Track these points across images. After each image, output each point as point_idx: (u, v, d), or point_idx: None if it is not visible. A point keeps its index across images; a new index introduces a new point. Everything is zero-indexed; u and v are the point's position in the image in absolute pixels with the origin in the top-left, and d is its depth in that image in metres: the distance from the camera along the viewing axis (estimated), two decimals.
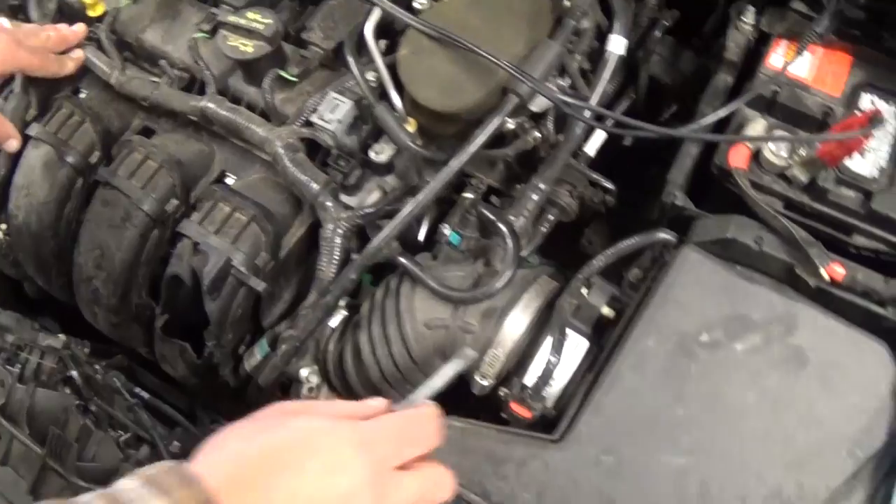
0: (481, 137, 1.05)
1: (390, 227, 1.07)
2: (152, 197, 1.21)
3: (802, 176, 1.04)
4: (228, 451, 0.67)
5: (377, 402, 0.76)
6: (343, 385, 1.19)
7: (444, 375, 0.80)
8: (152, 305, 1.26)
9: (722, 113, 1.09)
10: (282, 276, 1.24)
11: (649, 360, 0.96)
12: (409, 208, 1.06)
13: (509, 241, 1.08)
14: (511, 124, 1.12)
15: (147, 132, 1.34)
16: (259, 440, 0.67)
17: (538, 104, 1.14)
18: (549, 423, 1.02)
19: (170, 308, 1.24)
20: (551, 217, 1.19)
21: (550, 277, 1.14)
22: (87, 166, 1.29)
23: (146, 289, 1.26)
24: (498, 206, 1.19)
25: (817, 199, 1.05)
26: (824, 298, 0.99)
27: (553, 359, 1.02)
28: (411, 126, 1.17)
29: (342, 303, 1.19)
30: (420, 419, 0.74)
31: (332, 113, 1.17)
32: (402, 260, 1.11)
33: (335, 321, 1.18)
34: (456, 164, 1.04)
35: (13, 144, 1.30)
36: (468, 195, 1.18)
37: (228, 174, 1.29)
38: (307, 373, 1.19)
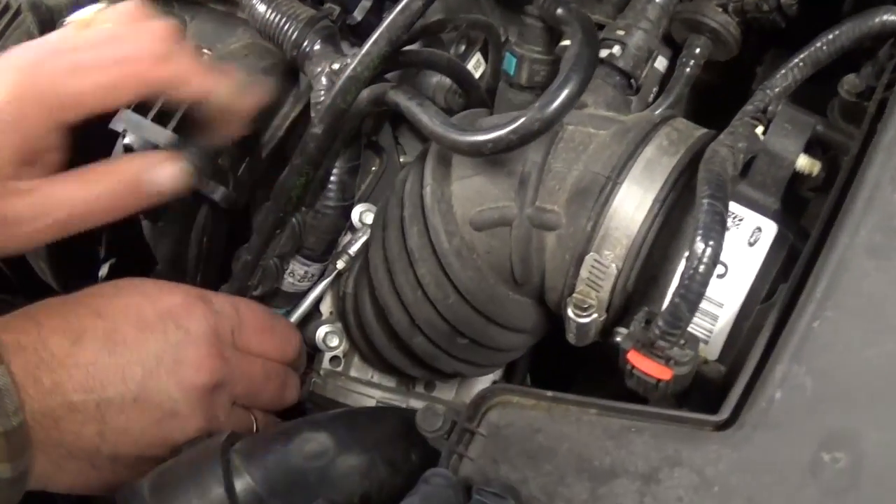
0: None
1: (367, 44, 0.60)
2: None
3: None
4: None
5: None
6: (370, 348, 0.75)
7: None
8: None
9: None
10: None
11: None
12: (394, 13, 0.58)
13: (577, 40, 0.56)
14: None
15: None
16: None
17: None
18: (712, 394, 0.53)
19: (115, 249, 0.84)
20: (697, 51, 0.77)
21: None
22: None
23: None
24: None
25: None
26: None
27: (702, 261, 0.49)
28: None
29: (368, 217, 0.73)
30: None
31: None
32: (395, 95, 0.62)
33: (356, 246, 0.74)
34: None
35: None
36: None
37: (204, 48, 0.89)
38: (324, 333, 0.75)
